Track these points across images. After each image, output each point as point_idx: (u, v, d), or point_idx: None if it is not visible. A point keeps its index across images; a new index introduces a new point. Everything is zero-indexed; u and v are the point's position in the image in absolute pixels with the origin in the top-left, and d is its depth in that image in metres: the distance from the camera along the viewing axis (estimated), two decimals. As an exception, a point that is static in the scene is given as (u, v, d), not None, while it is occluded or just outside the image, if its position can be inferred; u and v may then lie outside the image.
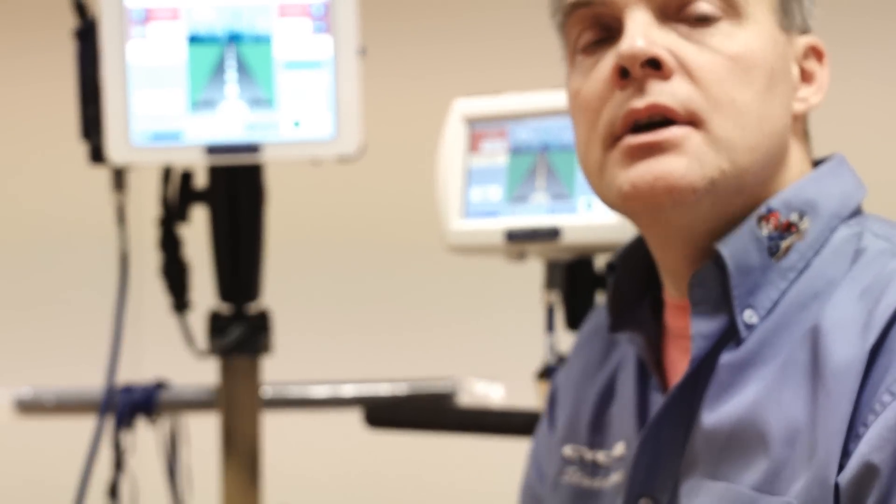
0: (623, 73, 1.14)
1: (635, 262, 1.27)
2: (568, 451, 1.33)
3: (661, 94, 1.13)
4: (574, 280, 1.77)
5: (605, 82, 1.16)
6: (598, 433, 1.30)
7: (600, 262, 1.78)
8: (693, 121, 1.13)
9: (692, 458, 1.16)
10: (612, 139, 1.15)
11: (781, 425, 1.10)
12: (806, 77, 1.21)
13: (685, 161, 1.12)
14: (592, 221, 1.62)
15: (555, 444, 1.35)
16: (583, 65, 1.19)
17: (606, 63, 1.16)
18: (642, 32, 1.13)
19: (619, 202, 1.17)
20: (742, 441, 1.12)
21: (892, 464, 1.04)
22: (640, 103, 1.13)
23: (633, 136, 1.14)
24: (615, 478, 1.25)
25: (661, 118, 1.13)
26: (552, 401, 1.41)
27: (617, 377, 1.30)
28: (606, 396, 1.31)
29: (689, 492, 1.15)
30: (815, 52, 1.22)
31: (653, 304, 1.27)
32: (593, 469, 1.29)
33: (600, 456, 1.29)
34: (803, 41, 1.21)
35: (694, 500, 1.13)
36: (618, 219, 1.60)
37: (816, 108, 1.22)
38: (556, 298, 1.74)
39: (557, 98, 1.67)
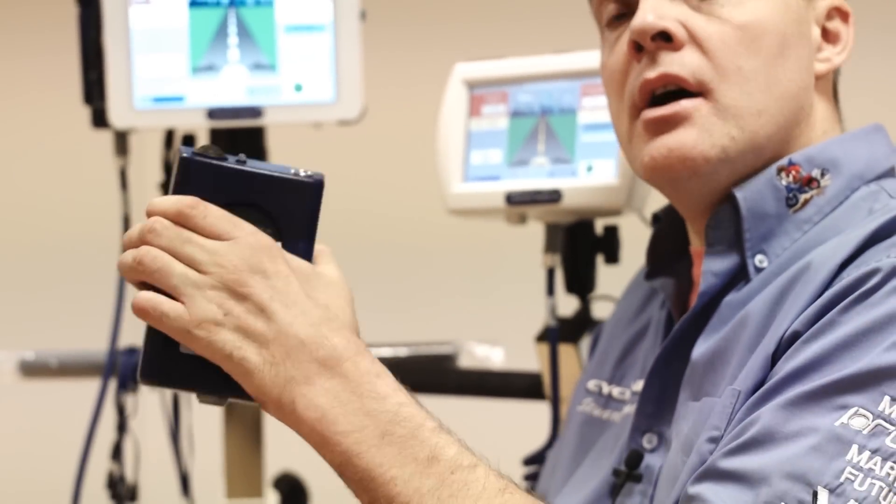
0: (638, 47, 1.21)
1: (678, 218, 1.32)
2: (591, 384, 1.40)
3: (672, 64, 1.19)
4: (574, 243, 1.78)
5: (625, 55, 1.23)
6: (620, 370, 1.37)
7: (600, 225, 1.79)
8: (702, 90, 1.19)
9: (683, 387, 1.21)
10: (635, 110, 1.23)
11: (751, 334, 1.14)
12: (830, 37, 1.26)
13: (695, 132, 1.19)
14: (593, 184, 1.63)
15: (584, 378, 1.43)
16: (608, 39, 1.27)
17: (625, 37, 1.23)
18: (652, 7, 1.20)
19: (643, 173, 1.25)
20: (722, 357, 1.17)
21: (810, 324, 1.08)
22: (652, 73, 1.20)
23: (649, 109, 1.21)
24: (627, 409, 1.30)
25: (675, 87, 1.20)
26: (595, 339, 1.50)
27: (650, 324, 1.36)
28: (636, 339, 1.38)
29: (678, 417, 1.18)
30: (840, 13, 1.27)
31: (691, 257, 1.32)
32: (606, 401, 1.36)
33: (616, 391, 1.35)
34: (825, 3, 1.26)
35: (681, 423, 1.17)
36: (618, 182, 1.61)
37: (840, 66, 1.27)
38: (556, 262, 1.75)
39: (558, 62, 1.68)
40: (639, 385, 1.30)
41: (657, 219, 1.35)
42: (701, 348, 1.19)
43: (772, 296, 1.15)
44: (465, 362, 2.15)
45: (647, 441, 1.24)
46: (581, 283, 1.80)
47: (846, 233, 1.16)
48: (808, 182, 1.20)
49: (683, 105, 1.19)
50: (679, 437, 1.17)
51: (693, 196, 1.24)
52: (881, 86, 2.89)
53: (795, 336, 1.08)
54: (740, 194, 1.20)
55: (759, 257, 1.20)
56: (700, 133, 1.18)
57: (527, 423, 1.97)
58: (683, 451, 1.14)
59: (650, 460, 1.23)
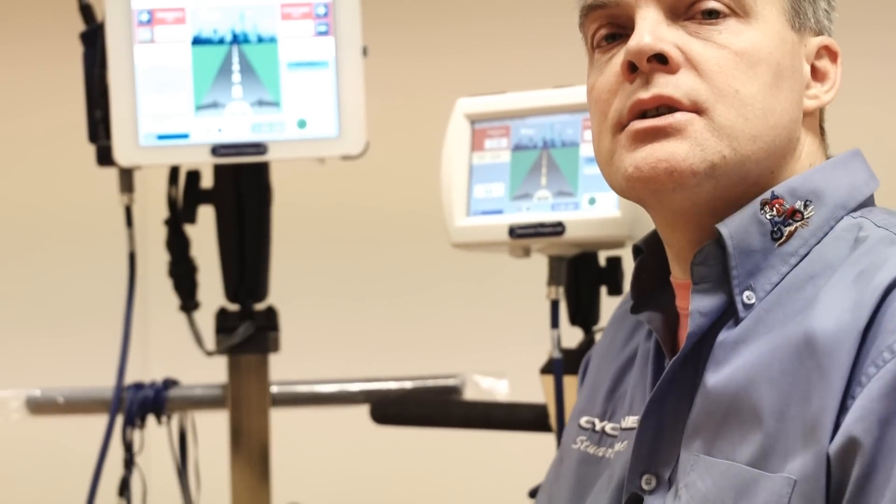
0: (632, 68, 1.19)
1: (661, 248, 1.31)
2: (583, 421, 1.38)
3: (667, 85, 1.18)
4: (577, 275, 1.79)
5: (616, 76, 1.21)
6: (610, 406, 1.36)
7: (603, 257, 1.80)
8: (697, 109, 1.18)
9: (691, 433, 1.19)
10: (619, 127, 1.21)
11: (773, 400, 1.13)
12: (819, 76, 1.26)
13: (686, 145, 1.17)
14: (596, 217, 1.63)
15: (575, 414, 1.41)
16: (598, 61, 1.25)
17: (617, 59, 1.22)
18: (650, 29, 1.18)
19: (625, 184, 1.21)
20: (737, 416, 1.15)
21: (873, 434, 1.06)
22: (645, 94, 1.18)
23: (638, 121, 1.19)
24: (619, 446, 1.29)
25: (667, 108, 1.18)
26: (584, 371, 1.47)
27: (636, 357, 1.35)
28: (623, 373, 1.36)
29: (687, 466, 1.18)
30: (829, 52, 1.27)
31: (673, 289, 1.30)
32: (601, 439, 1.34)
33: (609, 427, 1.34)
34: (816, 41, 1.25)
35: (692, 474, 1.16)
36: (621, 214, 1.62)
37: (828, 104, 1.27)
38: (559, 294, 1.75)
39: (559, 96, 1.69)
40: (628, 421, 1.30)
41: (639, 250, 1.33)
42: (706, 397, 1.18)
43: (788, 362, 1.13)
44: (470, 394, 2.16)
45: (646, 483, 1.23)
46: (585, 314, 1.81)
47: (844, 270, 1.15)
48: (792, 214, 1.20)
49: (677, 117, 1.17)
50: (692, 490, 1.15)
51: (674, 210, 1.22)
52: (881, 85, 2.90)
53: (853, 443, 1.07)
54: (725, 231, 1.19)
55: (746, 293, 1.19)
56: (692, 146, 1.17)
57: (532, 454, 1.97)
58: None
59: (650, 502, 1.22)
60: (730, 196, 1.20)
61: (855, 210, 1.22)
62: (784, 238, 1.19)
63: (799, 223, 1.20)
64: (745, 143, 1.18)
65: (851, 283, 1.13)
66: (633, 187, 1.21)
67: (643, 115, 1.19)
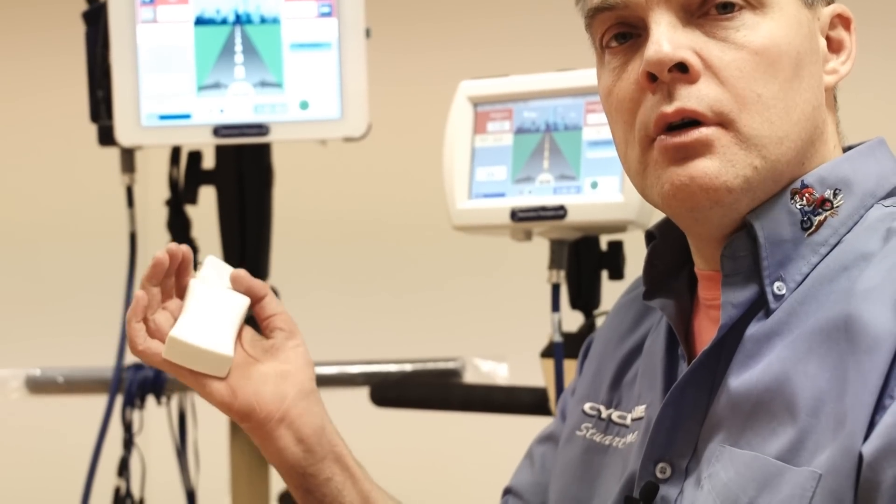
0: (652, 78, 1.16)
1: (674, 235, 1.29)
2: (587, 407, 1.36)
3: (689, 98, 1.15)
4: (579, 259, 1.79)
5: (636, 84, 1.18)
6: (616, 394, 1.34)
7: (604, 241, 1.80)
8: (721, 121, 1.15)
9: (714, 424, 1.18)
10: (648, 141, 1.18)
11: (807, 395, 1.11)
12: (834, 47, 1.23)
13: (717, 162, 1.15)
14: (597, 201, 1.63)
15: (577, 399, 1.39)
16: (611, 64, 1.22)
17: (635, 66, 1.18)
18: (667, 36, 1.15)
19: (661, 204, 1.20)
20: (768, 410, 1.13)
21: None
22: (669, 108, 1.16)
23: (665, 136, 1.16)
24: (631, 438, 1.28)
25: (691, 120, 1.15)
26: (585, 353, 1.45)
27: (645, 343, 1.33)
28: (630, 360, 1.35)
29: (711, 457, 1.16)
30: (842, 20, 1.24)
31: (690, 275, 1.29)
32: (607, 426, 1.33)
33: (616, 415, 1.32)
34: (829, 11, 1.23)
35: (716, 465, 1.15)
36: (623, 198, 1.61)
37: (846, 76, 1.24)
38: (560, 278, 1.75)
39: (562, 79, 1.69)
40: (638, 411, 1.29)
41: (651, 236, 1.31)
42: (736, 388, 1.16)
43: (826, 357, 1.11)
44: (470, 378, 2.16)
45: (660, 471, 1.22)
46: (585, 298, 1.81)
47: (879, 262, 1.13)
48: (822, 203, 1.18)
49: (703, 132, 1.14)
50: (713, 480, 1.14)
51: (711, 225, 1.20)
52: (880, 83, 2.89)
53: (891, 448, 1.05)
54: (757, 223, 1.17)
55: (777, 284, 1.17)
56: (722, 163, 1.14)
57: (531, 438, 1.97)
58: (723, 501, 1.13)
59: (665, 491, 1.21)
60: (765, 199, 1.18)
61: (885, 198, 1.20)
62: (814, 227, 1.18)
63: (828, 212, 1.18)
64: (773, 148, 1.15)
65: (887, 276, 1.12)
66: (670, 205, 1.19)
67: (669, 126, 1.16)
